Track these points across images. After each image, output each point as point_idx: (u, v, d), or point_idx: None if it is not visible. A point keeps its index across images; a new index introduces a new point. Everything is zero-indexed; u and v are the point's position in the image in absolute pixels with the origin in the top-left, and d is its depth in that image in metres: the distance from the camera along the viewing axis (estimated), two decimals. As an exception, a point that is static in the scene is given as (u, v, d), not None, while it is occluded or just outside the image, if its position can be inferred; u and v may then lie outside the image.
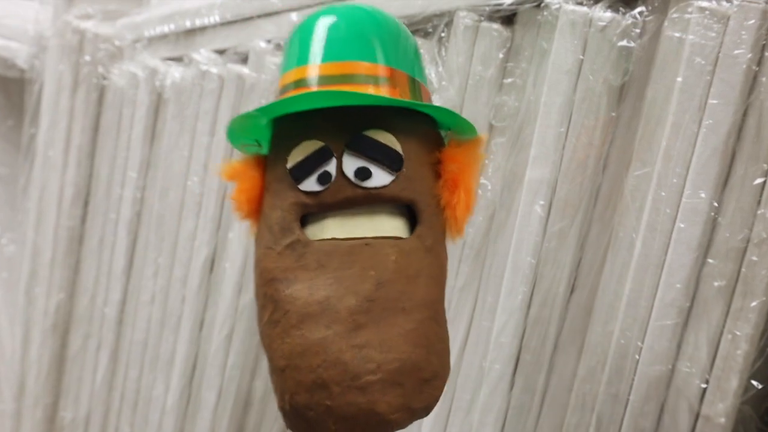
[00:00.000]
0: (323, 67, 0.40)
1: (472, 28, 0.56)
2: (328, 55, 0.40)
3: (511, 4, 0.54)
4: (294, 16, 0.69)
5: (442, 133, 0.45)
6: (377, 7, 0.43)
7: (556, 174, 0.54)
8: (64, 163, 0.95)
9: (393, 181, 0.40)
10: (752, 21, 0.45)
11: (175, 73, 0.81)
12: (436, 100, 0.58)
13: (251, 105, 0.72)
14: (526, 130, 0.55)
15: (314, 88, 0.40)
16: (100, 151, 0.93)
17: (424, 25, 0.59)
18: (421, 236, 0.40)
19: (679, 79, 0.48)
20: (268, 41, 0.71)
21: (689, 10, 0.47)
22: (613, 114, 0.52)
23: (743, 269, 0.46)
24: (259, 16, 0.73)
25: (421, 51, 0.47)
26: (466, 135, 0.44)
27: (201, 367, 0.79)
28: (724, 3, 0.46)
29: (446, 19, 0.58)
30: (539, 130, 0.54)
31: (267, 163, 0.44)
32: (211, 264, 0.78)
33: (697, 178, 0.47)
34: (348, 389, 0.37)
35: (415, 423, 0.44)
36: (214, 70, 0.76)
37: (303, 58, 0.41)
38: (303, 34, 0.42)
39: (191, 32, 0.81)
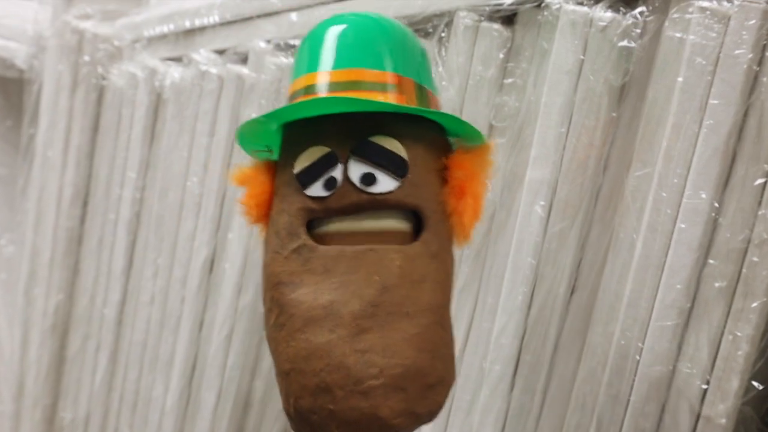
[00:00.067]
0: (332, 74, 0.41)
1: (473, 28, 0.56)
2: (337, 63, 0.41)
3: (512, 4, 0.54)
4: (294, 16, 0.69)
5: (451, 139, 0.45)
6: (386, 15, 0.44)
7: (556, 174, 0.53)
8: (63, 163, 0.95)
9: (398, 187, 0.40)
10: (753, 21, 0.45)
11: (175, 73, 0.81)
12: (436, 101, 0.58)
13: (251, 105, 0.72)
14: (526, 131, 0.55)
15: (323, 95, 0.41)
16: (99, 151, 0.93)
17: (424, 25, 0.59)
18: (426, 242, 0.40)
19: (680, 79, 0.47)
20: (268, 41, 0.71)
21: (690, 10, 0.47)
22: (614, 114, 0.52)
23: (744, 270, 0.46)
24: (258, 16, 0.73)
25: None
26: (474, 141, 0.44)
27: (200, 368, 0.79)
28: (725, 3, 0.46)
29: (446, 19, 0.58)
30: (540, 131, 0.54)
31: (276, 168, 0.44)
32: (211, 264, 0.78)
33: (698, 178, 0.47)
34: (351, 393, 0.37)
35: (416, 424, 0.44)
36: (213, 70, 0.76)
37: (313, 65, 0.42)
38: (313, 41, 0.43)
39: (191, 32, 0.81)
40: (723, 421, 0.47)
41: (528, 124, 0.55)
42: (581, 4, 0.52)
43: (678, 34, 0.48)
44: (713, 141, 0.46)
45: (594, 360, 0.52)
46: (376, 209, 0.40)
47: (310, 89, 0.41)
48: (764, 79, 0.45)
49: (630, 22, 0.50)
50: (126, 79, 0.87)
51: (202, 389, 0.78)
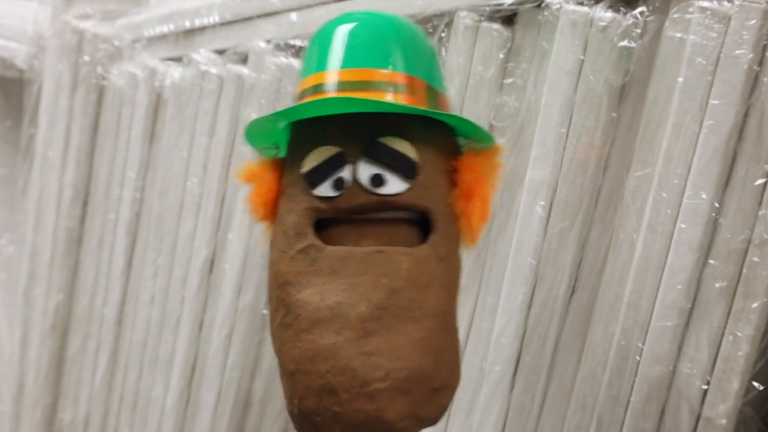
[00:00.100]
0: (342, 74, 0.40)
1: (473, 28, 0.56)
2: (346, 62, 0.40)
3: (512, 4, 0.54)
4: (294, 16, 0.69)
5: (460, 141, 0.45)
6: (397, 14, 0.43)
7: (556, 175, 0.53)
8: (63, 163, 0.95)
9: (407, 189, 0.40)
10: (753, 21, 0.45)
11: (175, 73, 0.81)
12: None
13: (251, 105, 0.72)
14: (526, 131, 0.55)
15: (332, 94, 0.40)
16: (99, 151, 0.93)
17: (424, 25, 0.59)
18: (434, 245, 0.40)
19: (680, 79, 0.47)
20: (268, 41, 0.71)
21: (690, 10, 0.47)
22: (614, 114, 0.52)
23: (744, 270, 0.46)
24: (258, 16, 0.73)
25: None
26: (484, 143, 0.44)
27: (200, 368, 0.79)
28: (726, 3, 0.46)
29: (446, 19, 0.58)
30: (540, 131, 0.54)
31: (284, 167, 0.44)
32: (211, 265, 0.78)
33: (698, 178, 0.47)
34: (356, 396, 0.36)
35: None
36: (213, 70, 0.75)
37: (322, 64, 0.41)
38: (322, 40, 0.42)
39: (191, 32, 0.81)
40: (723, 421, 0.47)
41: (528, 125, 0.54)
42: (581, 4, 0.52)
43: (678, 34, 0.48)
44: (714, 141, 0.46)
45: (594, 360, 0.52)
46: (385, 210, 0.40)
47: (319, 88, 0.41)
48: (765, 79, 0.45)
49: (630, 22, 0.50)
50: (126, 79, 0.87)
51: (202, 389, 0.78)
